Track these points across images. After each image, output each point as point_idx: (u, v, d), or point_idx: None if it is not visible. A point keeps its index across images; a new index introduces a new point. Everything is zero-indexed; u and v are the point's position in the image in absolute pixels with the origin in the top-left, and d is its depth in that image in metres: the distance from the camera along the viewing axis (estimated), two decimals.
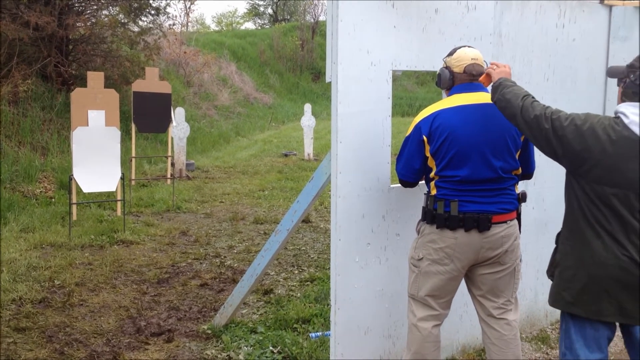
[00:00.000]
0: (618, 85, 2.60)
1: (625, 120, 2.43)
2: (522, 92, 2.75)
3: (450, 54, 3.21)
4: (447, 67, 3.20)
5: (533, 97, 2.71)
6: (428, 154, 3.10)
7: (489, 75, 3.03)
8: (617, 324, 2.57)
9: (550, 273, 2.72)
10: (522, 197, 3.22)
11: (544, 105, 2.63)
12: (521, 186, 3.96)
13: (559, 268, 2.63)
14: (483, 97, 3.09)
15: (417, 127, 3.11)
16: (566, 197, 2.64)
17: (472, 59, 3.12)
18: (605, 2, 4.48)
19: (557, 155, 2.55)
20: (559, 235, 2.71)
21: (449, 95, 3.19)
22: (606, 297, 2.47)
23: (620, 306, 2.46)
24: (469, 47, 3.21)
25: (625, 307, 2.45)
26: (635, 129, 2.40)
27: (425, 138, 3.07)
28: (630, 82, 2.49)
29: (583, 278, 2.51)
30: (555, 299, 2.64)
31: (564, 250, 2.62)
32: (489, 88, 3.03)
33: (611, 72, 2.67)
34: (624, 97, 2.52)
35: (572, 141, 2.47)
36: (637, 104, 2.44)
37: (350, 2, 3.19)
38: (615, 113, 2.51)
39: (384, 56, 3.39)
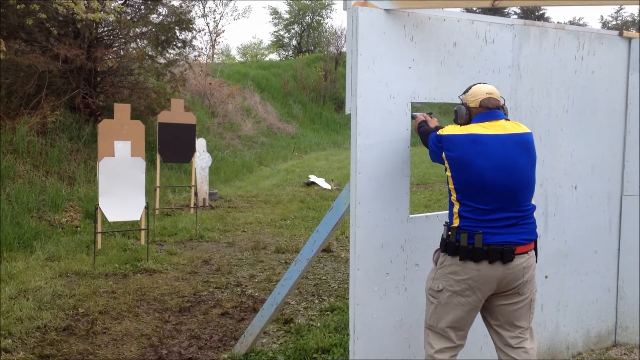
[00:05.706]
0: None
1: None
2: None
3: (466, 91, 3.27)
4: (463, 104, 3.24)
5: None
6: (448, 174, 3.14)
7: None
8: None
9: None
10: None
11: None
12: (541, 217, 3.96)
13: None
14: (504, 127, 3.09)
15: (440, 138, 3.17)
16: None
17: (487, 93, 3.17)
18: (625, 34, 4.50)
19: None
20: None
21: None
22: None
23: None
24: (483, 83, 3.27)
25: None
26: None
27: (444, 156, 3.14)
28: None
29: None
30: None
31: None
32: None
33: None
34: None
35: None
36: None
37: (370, 36, 3.27)
38: None
39: (402, 89, 3.44)
